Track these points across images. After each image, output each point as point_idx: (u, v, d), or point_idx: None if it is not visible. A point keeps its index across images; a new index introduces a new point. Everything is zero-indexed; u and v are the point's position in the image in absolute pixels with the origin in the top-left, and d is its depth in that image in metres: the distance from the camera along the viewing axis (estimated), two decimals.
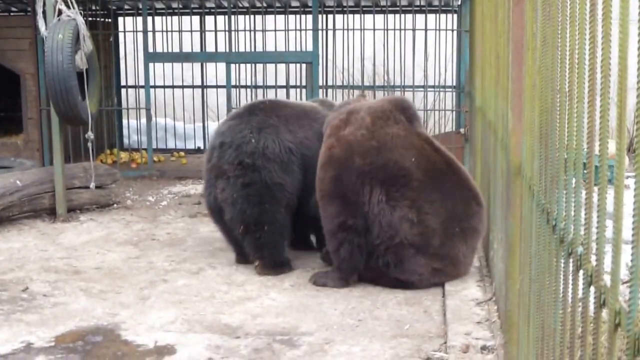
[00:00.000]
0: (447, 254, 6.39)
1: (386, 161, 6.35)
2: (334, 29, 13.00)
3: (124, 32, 13.72)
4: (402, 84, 12.81)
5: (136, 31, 13.09)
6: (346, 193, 6.36)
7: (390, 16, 12.49)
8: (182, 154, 13.70)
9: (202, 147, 13.96)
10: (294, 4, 13.52)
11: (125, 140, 14.15)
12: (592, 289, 2.28)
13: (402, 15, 12.26)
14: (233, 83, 12.73)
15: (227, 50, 12.74)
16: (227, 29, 12.90)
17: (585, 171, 2.46)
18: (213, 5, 13.69)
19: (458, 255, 6.43)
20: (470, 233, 6.46)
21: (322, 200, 6.54)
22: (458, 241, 6.40)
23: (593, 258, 2.29)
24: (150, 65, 12.13)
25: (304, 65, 12.49)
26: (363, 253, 6.44)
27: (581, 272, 2.44)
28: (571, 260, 2.57)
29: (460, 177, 6.54)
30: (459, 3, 11.89)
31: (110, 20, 13.32)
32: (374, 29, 12.23)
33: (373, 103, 6.87)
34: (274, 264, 6.96)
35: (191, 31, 13.80)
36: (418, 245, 6.32)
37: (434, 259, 6.36)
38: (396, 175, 6.32)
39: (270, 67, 13.60)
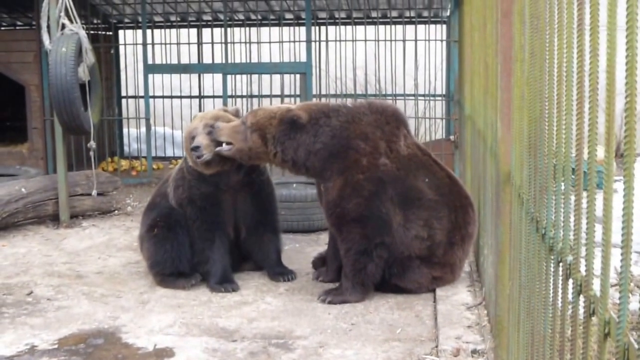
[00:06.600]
0: (447, 262, 6.32)
1: (408, 186, 6.23)
2: (327, 40, 12.96)
3: (125, 44, 13.69)
4: (394, 93, 12.78)
5: (136, 44, 13.07)
6: (378, 214, 6.13)
7: (382, 27, 12.46)
8: (180, 161, 13.62)
9: None
10: (287, 16, 13.50)
11: (126, 149, 14.14)
12: (581, 297, 2.23)
13: (393, 26, 12.22)
14: (229, 93, 12.71)
15: (224, 61, 12.69)
16: (223, 41, 12.85)
17: (573, 177, 2.41)
18: (210, 18, 13.71)
19: (456, 262, 6.36)
20: (467, 239, 6.39)
21: (347, 222, 6.19)
22: (457, 249, 6.33)
23: (582, 264, 2.24)
24: (150, 76, 12.10)
25: (298, 75, 12.44)
26: (384, 266, 6.30)
27: (570, 280, 2.39)
28: (560, 268, 2.52)
29: (459, 186, 6.47)
30: (448, 14, 11.86)
31: (111, 33, 13.34)
32: (366, 40, 12.18)
33: (377, 121, 6.38)
34: None
35: (189, 43, 13.78)
36: (424, 256, 6.25)
37: (435, 268, 6.28)
38: (413, 198, 6.22)
39: (266, 77, 13.55)
